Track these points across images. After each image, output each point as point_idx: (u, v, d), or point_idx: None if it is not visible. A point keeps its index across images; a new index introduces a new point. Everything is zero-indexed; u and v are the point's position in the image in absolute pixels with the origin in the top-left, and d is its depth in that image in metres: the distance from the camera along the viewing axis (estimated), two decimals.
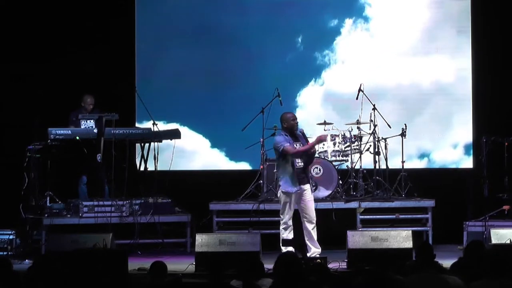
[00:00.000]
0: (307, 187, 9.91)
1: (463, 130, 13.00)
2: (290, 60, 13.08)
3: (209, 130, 13.11)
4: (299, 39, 13.12)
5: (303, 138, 10.04)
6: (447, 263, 7.40)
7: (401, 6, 13.12)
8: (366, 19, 13.13)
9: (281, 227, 9.94)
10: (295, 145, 9.87)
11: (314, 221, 9.91)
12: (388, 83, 13.07)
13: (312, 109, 13.02)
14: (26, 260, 10.10)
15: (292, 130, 9.96)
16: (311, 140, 10.20)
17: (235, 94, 13.06)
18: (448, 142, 13.06)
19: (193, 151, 13.05)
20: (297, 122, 10.00)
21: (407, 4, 13.12)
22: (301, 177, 9.87)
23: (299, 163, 9.89)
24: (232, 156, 13.08)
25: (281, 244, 9.45)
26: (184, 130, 12.14)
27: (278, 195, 10.13)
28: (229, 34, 13.09)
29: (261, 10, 13.16)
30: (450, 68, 13.05)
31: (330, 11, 13.16)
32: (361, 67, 12.98)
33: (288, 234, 9.85)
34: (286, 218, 9.91)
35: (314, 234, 9.88)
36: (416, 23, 13.08)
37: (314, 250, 9.82)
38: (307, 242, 9.78)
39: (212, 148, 13.12)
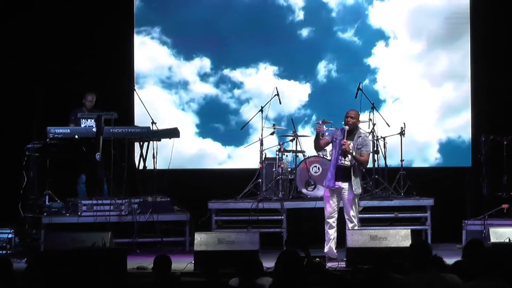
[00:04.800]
0: (345, 185, 9.93)
1: (462, 129, 13.01)
2: (290, 62, 13.09)
3: (208, 129, 13.12)
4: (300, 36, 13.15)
5: (343, 136, 9.97)
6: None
7: (400, 7, 13.15)
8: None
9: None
10: (335, 139, 9.98)
11: (354, 221, 9.94)
12: (387, 83, 13.08)
13: (310, 108, 13.04)
14: (25, 259, 10.08)
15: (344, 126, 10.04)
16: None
17: (234, 92, 13.08)
18: (447, 141, 13.06)
19: (192, 150, 13.05)
20: (348, 121, 9.97)
21: (406, 4, 13.14)
22: (341, 174, 9.90)
23: (341, 160, 9.93)
24: (231, 154, 13.09)
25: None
26: (183, 129, 12.11)
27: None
28: (229, 33, 13.10)
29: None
30: (449, 67, 13.05)
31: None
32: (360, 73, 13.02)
33: (330, 232, 9.93)
34: (325, 214, 10.01)
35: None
36: (415, 23, 13.09)
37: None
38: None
39: (211, 147, 13.12)
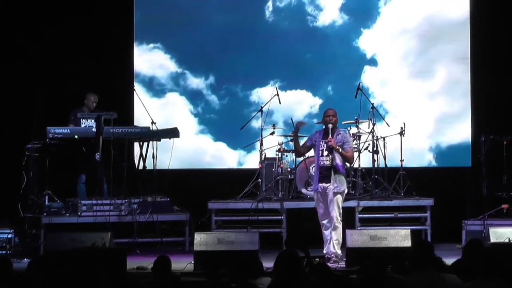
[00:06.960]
0: (328, 185, 9.84)
1: (462, 129, 13.00)
2: (291, 63, 13.11)
3: (208, 129, 13.12)
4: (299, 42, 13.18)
5: (326, 135, 9.91)
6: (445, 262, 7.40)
7: (399, 7, 13.16)
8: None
9: None
10: (314, 141, 9.95)
11: (332, 223, 9.82)
12: (387, 83, 13.09)
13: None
14: (25, 259, 10.08)
15: (325, 126, 9.97)
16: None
17: (234, 92, 13.09)
18: (446, 141, 13.06)
19: (191, 150, 13.05)
20: (330, 120, 9.89)
21: (405, 5, 13.15)
22: (324, 175, 9.85)
23: (322, 160, 9.90)
24: (231, 154, 13.08)
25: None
26: (182, 129, 12.11)
27: None
28: (229, 30, 13.10)
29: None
30: (448, 66, 13.05)
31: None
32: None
33: (326, 233, 9.91)
34: (318, 216, 10.00)
35: (334, 235, 9.81)
36: (415, 22, 13.09)
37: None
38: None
39: (210, 147, 13.12)
